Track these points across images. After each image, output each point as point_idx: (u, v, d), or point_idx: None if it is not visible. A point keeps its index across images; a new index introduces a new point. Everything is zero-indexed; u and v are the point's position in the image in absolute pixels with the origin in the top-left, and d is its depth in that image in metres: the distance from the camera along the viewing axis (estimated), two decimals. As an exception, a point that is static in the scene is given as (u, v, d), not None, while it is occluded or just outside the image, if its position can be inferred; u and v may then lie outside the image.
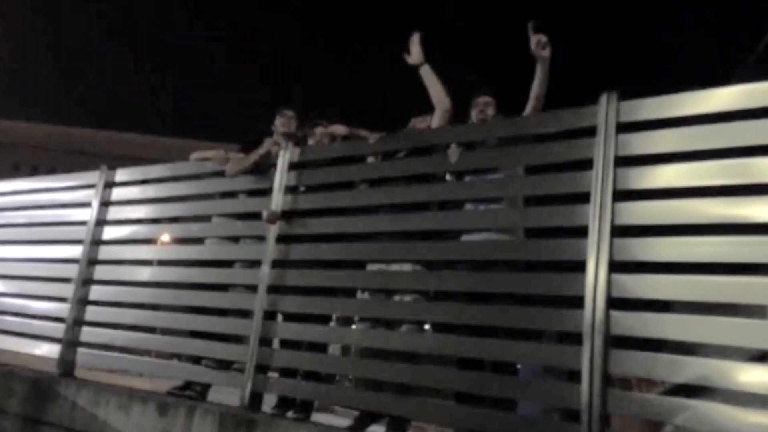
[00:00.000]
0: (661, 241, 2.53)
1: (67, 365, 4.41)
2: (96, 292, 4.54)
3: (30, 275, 5.07)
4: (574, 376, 2.58)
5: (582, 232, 2.67)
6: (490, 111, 3.71)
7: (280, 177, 3.81)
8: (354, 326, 3.90)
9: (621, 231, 2.60)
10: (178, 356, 4.32)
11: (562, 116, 2.99)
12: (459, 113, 3.79)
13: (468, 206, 3.42)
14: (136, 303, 4.36)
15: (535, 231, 3.19)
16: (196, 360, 3.96)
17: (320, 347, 3.75)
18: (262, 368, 3.55)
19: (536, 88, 3.41)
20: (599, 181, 2.66)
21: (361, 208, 3.66)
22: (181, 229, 4.61)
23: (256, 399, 3.53)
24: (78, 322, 4.49)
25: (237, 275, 4.04)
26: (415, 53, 3.75)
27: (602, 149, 2.70)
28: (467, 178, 3.50)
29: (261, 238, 3.79)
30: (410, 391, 3.25)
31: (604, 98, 2.75)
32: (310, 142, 4.19)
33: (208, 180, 4.32)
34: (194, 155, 4.50)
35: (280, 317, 3.73)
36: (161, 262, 4.55)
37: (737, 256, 2.38)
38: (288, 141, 4.07)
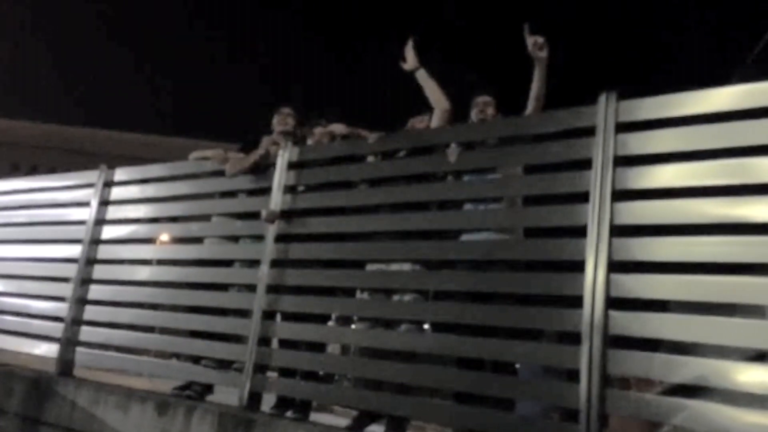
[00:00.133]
0: (660, 241, 2.54)
1: (65, 365, 4.41)
2: (95, 291, 4.54)
3: (29, 275, 5.07)
4: (573, 375, 2.58)
5: (581, 231, 2.67)
6: (490, 111, 3.72)
7: (279, 176, 3.81)
8: (353, 326, 3.90)
9: (620, 231, 2.60)
10: (177, 356, 4.32)
11: (561, 116, 2.99)
12: (459, 113, 3.79)
13: (467, 206, 3.42)
14: (135, 302, 4.36)
15: (534, 231, 3.19)
16: (196, 360, 3.95)
17: (319, 347, 3.75)
18: (261, 368, 3.55)
19: (535, 89, 3.41)
20: (598, 181, 2.66)
21: (360, 207, 3.66)
22: (180, 229, 4.61)
23: (255, 399, 3.53)
24: (77, 321, 4.49)
25: (236, 275, 4.04)
26: (410, 59, 3.77)
27: (601, 149, 2.70)
28: (466, 178, 3.49)
29: (260, 238, 3.79)
30: (409, 391, 3.24)
31: (603, 98, 2.75)
32: (310, 141, 4.19)
33: (207, 179, 4.32)
34: (193, 155, 4.50)
35: (278, 317, 3.73)
36: (160, 262, 4.55)
37: (736, 256, 2.38)
38: (287, 140, 4.07)
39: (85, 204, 4.75)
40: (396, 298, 3.47)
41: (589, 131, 2.77)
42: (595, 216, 2.63)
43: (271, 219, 3.69)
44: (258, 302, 3.61)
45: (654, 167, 2.63)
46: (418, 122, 3.89)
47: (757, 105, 2.44)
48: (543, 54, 3.34)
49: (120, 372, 5.16)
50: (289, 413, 3.63)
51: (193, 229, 4.40)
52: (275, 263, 3.66)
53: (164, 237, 4.92)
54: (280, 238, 3.70)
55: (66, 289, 4.64)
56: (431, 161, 3.50)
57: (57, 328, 4.54)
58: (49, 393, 4.09)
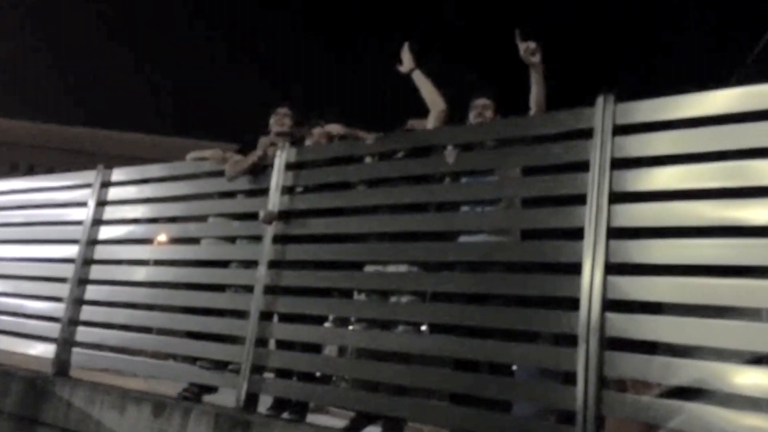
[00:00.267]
0: (656, 244, 2.54)
1: (62, 365, 4.40)
2: (92, 291, 4.54)
3: (26, 275, 5.06)
4: (570, 378, 2.58)
5: (578, 234, 2.67)
6: (489, 114, 3.71)
7: (277, 177, 3.81)
8: (350, 327, 3.89)
9: (617, 233, 2.60)
10: (174, 357, 4.32)
11: (559, 118, 2.99)
12: (458, 113, 3.79)
13: (465, 208, 3.42)
14: (132, 303, 4.35)
15: (532, 233, 3.19)
16: (193, 361, 3.95)
17: (316, 348, 3.74)
18: (257, 369, 3.54)
19: (535, 94, 3.41)
20: (595, 183, 2.66)
21: (357, 208, 3.66)
22: (177, 229, 4.60)
23: (251, 400, 3.53)
24: (73, 321, 4.48)
25: (233, 275, 4.03)
26: (406, 61, 3.79)
27: (599, 151, 2.70)
28: (464, 180, 3.49)
29: (258, 239, 3.78)
30: (406, 393, 3.24)
31: (600, 100, 2.75)
32: (308, 142, 4.18)
33: (205, 180, 4.31)
34: (191, 155, 4.49)
35: (275, 318, 3.72)
36: (157, 262, 4.54)
37: (733, 258, 2.38)
38: (284, 140, 4.07)
39: (82, 204, 4.75)
40: (393, 299, 3.46)
41: (587, 133, 2.77)
42: (592, 218, 2.63)
43: (269, 220, 3.69)
44: (255, 303, 3.61)
45: (651, 170, 2.64)
46: (417, 124, 3.89)
47: (754, 108, 2.44)
48: (536, 59, 3.34)
49: (116, 372, 5.15)
50: (285, 414, 3.62)
51: (191, 229, 4.39)
52: (273, 264, 3.66)
53: (162, 237, 4.92)
54: (278, 239, 3.69)
55: (63, 290, 4.63)
56: (429, 162, 3.50)
57: (53, 329, 4.53)
58: (45, 393, 4.08)
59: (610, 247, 2.58)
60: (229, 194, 4.23)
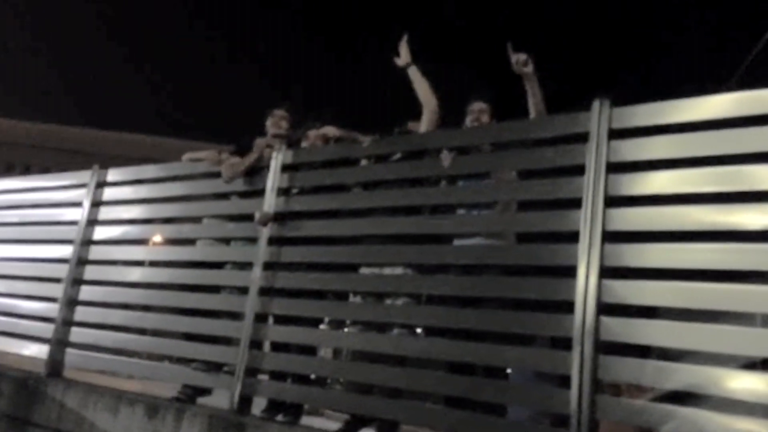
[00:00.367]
0: (651, 248, 2.54)
1: (55, 366, 4.39)
2: (86, 292, 4.52)
3: (20, 275, 5.04)
4: (565, 381, 2.58)
5: (573, 237, 2.67)
6: (485, 118, 3.71)
7: (273, 179, 3.80)
8: (346, 329, 3.89)
9: (612, 237, 2.61)
10: (169, 358, 4.31)
11: (555, 122, 3.00)
12: (456, 114, 3.80)
13: (460, 211, 3.42)
14: (126, 304, 4.34)
15: (527, 236, 3.20)
16: (187, 362, 3.94)
17: (311, 350, 3.74)
18: (252, 371, 3.53)
19: (532, 103, 3.43)
20: (591, 187, 2.67)
21: (353, 211, 3.66)
22: (172, 230, 4.59)
23: (245, 402, 3.52)
24: (67, 322, 4.46)
25: (228, 277, 4.02)
26: (403, 55, 3.79)
27: (594, 155, 2.70)
28: (460, 183, 3.50)
29: (253, 240, 3.78)
30: (401, 395, 3.24)
31: (596, 105, 2.76)
32: (304, 144, 4.18)
33: (201, 181, 4.31)
34: (186, 156, 4.48)
35: (270, 319, 3.72)
36: (152, 263, 4.53)
37: (728, 263, 2.39)
38: (281, 142, 4.06)
39: (77, 204, 4.73)
40: (388, 302, 3.46)
41: (583, 137, 2.78)
42: (588, 222, 2.64)
43: (265, 221, 3.69)
44: (250, 305, 3.60)
45: (646, 174, 2.65)
46: (416, 127, 3.89)
47: (748, 113, 2.46)
48: (528, 69, 3.36)
49: (110, 374, 5.13)
50: (280, 417, 3.62)
51: (186, 230, 4.38)
52: (268, 266, 3.65)
53: (157, 238, 4.91)
54: (273, 241, 3.69)
55: (57, 290, 4.62)
56: (425, 165, 3.50)
57: (47, 329, 4.52)
58: (38, 394, 4.06)
59: (605, 250, 2.59)
60: (225, 195, 4.22)
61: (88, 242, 4.61)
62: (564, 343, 2.61)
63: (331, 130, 4.01)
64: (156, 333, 4.29)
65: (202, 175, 4.28)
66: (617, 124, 2.72)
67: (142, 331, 4.40)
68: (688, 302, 2.46)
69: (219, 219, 4.23)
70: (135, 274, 4.39)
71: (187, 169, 4.41)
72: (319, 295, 3.59)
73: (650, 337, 2.49)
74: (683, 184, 2.56)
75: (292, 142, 4.16)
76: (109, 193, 4.70)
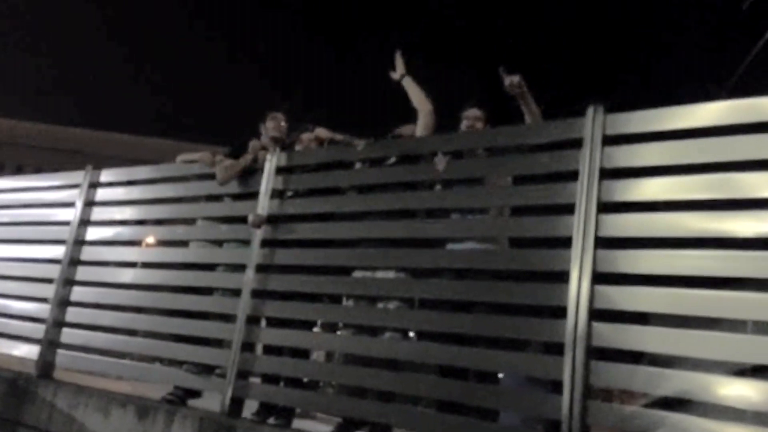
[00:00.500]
0: (644, 254, 2.55)
1: (46, 367, 4.36)
2: (78, 293, 4.50)
3: (11, 275, 5.01)
4: (557, 386, 2.59)
5: (566, 242, 2.68)
6: (479, 126, 3.72)
7: (267, 181, 3.80)
8: (338, 332, 3.88)
9: (605, 243, 2.62)
10: (161, 360, 4.28)
11: (549, 128, 3.01)
12: (455, 114, 3.81)
13: (454, 215, 3.43)
14: (118, 305, 4.32)
15: (520, 241, 3.20)
16: (178, 364, 3.92)
17: (303, 353, 3.73)
18: (243, 374, 3.52)
19: (529, 119, 3.44)
20: (584, 193, 2.68)
21: (347, 214, 3.66)
22: (165, 232, 4.58)
23: (237, 404, 3.51)
24: (58, 323, 4.44)
25: (221, 279, 4.01)
26: (398, 68, 3.85)
27: (588, 161, 2.71)
28: (454, 188, 3.50)
29: (246, 242, 3.77)
30: (393, 399, 3.24)
31: (590, 111, 2.77)
32: (298, 147, 4.18)
33: (194, 183, 4.30)
34: (180, 158, 4.48)
35: (263, 322, 3.71)
36: (145, 264, 4.51)
37: (720, 270, 2.40)
38: (275, 145, 4.06)
39: (70, 204, 4.72)
40: (381, 305, 3.46)
41: (577, 143, 2.79)
42: (581, 227, 2.65)
43: (258, 224, 3.68)
44: (242, 307, 3.59)
45: (639, 180, 2.66)
46: (406, 130, 3.90)
47: (741, 121, 2.47)
48: (521, 90, 3.39)
49: (101, 375, 5.11)
50: (271, 419, 3.61)
51: (179, 232, 4.37)
52: (261, 268, 3.65)
53: (149, 239, 4.89)
54: (267, 243, 3.68)
55: (48, 290, 4.59)
56: (419, 169, 3.50)
57: (38, 330, 4.49)
58: (28, 395, 4.04)
59: (598, 256, 2.60)
60: (218, 197, 4.22)
61: (80, 243, 4.59)
62: (556, 349, 2.62)
63: (322, 132, 4.01)
64: (148, 334, 4.27)
65: (195, 176, 4.27)
66: (611, 131, 2.73)
67: (133, 333, 4.38)
68: (679, 308, 2.47)
69: (212, 221, 4.22)
70: (127, 275, 4.37)
71: (181, 170, 4.41)
72: (311, 297, 3.59)
73: (642, 343, 2.50)
74: (676, 190, 2.57)
75: (285, 145, 4.15)
76: (102, 194, 4.68)
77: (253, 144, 4.18)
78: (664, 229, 2.56)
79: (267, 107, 4.40)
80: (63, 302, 4.48)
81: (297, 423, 3.78)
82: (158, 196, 4.51)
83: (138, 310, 4.36)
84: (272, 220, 3.71)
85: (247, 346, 3.56)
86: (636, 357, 2.52)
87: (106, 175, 4.73)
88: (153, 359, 5.24)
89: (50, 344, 4.41)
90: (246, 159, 4.00)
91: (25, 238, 5.13)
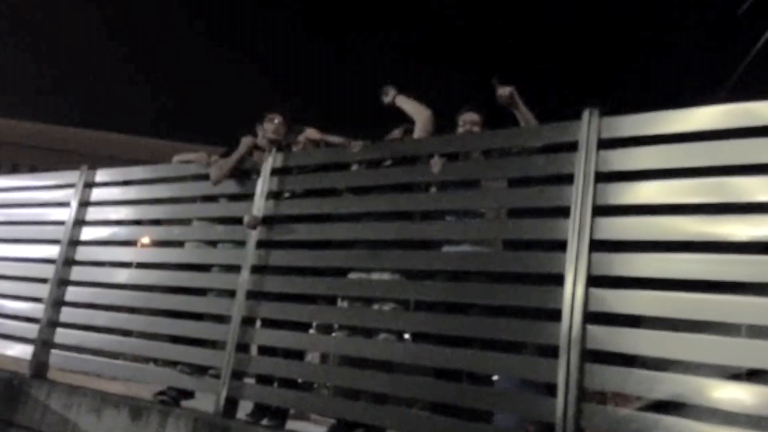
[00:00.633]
0: (638, 257, 2.56)
1: (39, 367, 4.35)
2: (72, 293, 4.49)
3: (5, 274, 4.99)
4: (551, 389, 2.59)
5: (561, 246, 2.68)
6: (476, 130, 3.73)
7: (263, 182, 3.80)
8: (333, 334, 3.88)
9: (599, 246, 2.62)
10: (155, 360, 4.27)
11: (545, 131, 3.02)
12: (454, 114, 3.82)
13: (449, 218, 3.43)
14: (112, 305, 4.31)
15: (515, 243, 3.21)
16: (172, 364, 3.91)
17: (298, 354, 3.73)
18: (238, 374, 3.52)
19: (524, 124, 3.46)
20: (579, 196, 2.68)
21: (342, 215, 3.66)
22: (160, 232, 4.57)
23: (231, 405, 3.50)
24: (52, 323, 4.43)
25: (216, 280, 4.01)
26: (389, 94, 3.88)
27: (583, 164, 2.72)
28: (450, 191, 3.50)
29: (241, 243, 3.77)
30: (387, 401, 3.24)
31: (586, 114, 2.77)
32: (295, 149, 4.17)
33: (190, 183, 4.29)
34: (176, 158, 4.47)
35: (257, 323, 3.70)
36: (139, 265, 4.50)
37: (714, 273, 2.40)
38: (271, 146, 4.06)
39: (64, 204, 4.70)
40: (375, 307, 3.46)
41: (572, 146, 2.80)
42: (576, 230, 2.65)
43: (253, 225, 3.68)
44: (237, 308, 3.59)
45: (634, 184, 2.66)
46: (395, 134, 3.91)
47: (736, 125, 2.48)
48: (511, 101, 3.42)
49: (95, 375, 5.09)
50: (265, 420, 3.60)
51: (174, 232, 4.36)
52: (256, 269, 3.64)
53: (144, 240, 4.88)
54: (262, 244, 3.68)
55: (43, 290, 4.58)
56: (415, 171, 3.50)
57: (32, 330, 4.48)
58: (22, 395, 4.03)
59: (593, 259, 2.60)
60: (214, 198, 4.21)
61: (75, 243, 4.58)
62: (551, 351, 2.62)
63: (312, 133, 4.01)
64: (142, 335, 4.27)
65: (191, 177, 4.27)
66: (606, 134, 2.74)
67: (127, 333, 4.37)
68: (674, 312, 2.47)
69: (208, 221, 4.21)
70: (122, 276, 4.36)
71: (177, 171, 4.40)
72: (306, 299, 3.59)
73: (636, 346, 2.50)
74: (671, 194, 2.58)
75: (281, 146, 4.15)
76: (97, 194, 4.67)
77: (244, 140, 4.16)
78: (658, 232, 2.57)
79: (266, 107, 4.38)
80: (57, 302, 4.46)
81: (291, 424, 3.78)
82: (154, 196, 4.50)
83: (132, 310, 4.35)
84: (267, 221, 3.71)
85: (242, 347, 3.56)
86: (630, 360, 2.53)
87: (101, 175, 4.72)
88: (147, 360, 5.24)
89: (44, 344, 4.39)
90: (235, 155, 4.00)
91: (20, 237, 5.11)
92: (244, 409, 3.68)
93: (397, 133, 3.87)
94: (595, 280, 2.58)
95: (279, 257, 3.66)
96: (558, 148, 2.93)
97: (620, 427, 2.43)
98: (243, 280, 3.63)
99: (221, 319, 3.76)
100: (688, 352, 2.41)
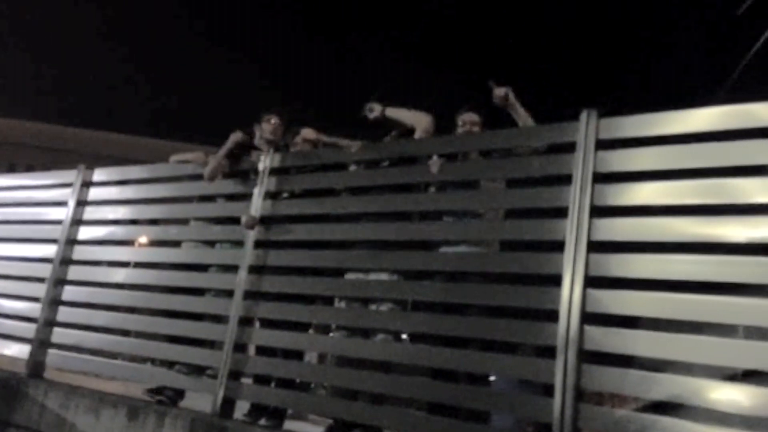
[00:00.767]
0: (636, 258, 2.56)
1: (36, 366, 4.34)
2: (69, 292, 4.48)
3: (2, 274, 4.98)
4: (548, 389, 2.59)
5: (559, 246, 2.68)
6: (476, 130, 3.73)
7: (261, 182, 3.80)
8: (331, 334, 3.88)
9: (597, 247, 2.62)
10: (152, 360, 4.27)
11: (543, 132, 3.02)
12: (453, 114, 3.81)
13: (447, 218, 3.43)
14: (110, 305, 4.30)
15: (513, 244, 3.21)
16: (170, 364, 3.91)
17: (296, 354, 3.73)
18: (235, 374, 3.51)
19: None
20: (577, 197, 2.68)
21: (340, 216, 3.66)
22: (158, 232, 4.56)
23: (228, 405, 3.50)
24: (49, 322, 4.42)
25: (214, 280, 4.00)
26: (376, 109, 3.80)
27: (581, 165, 2.72)
28: (448, 191, 3.50)
29: (239, 243, 3.77)
30: (385, 401, 3.23)
31: (584, 115, 2.78)
32: (292, 149, 4.17)
33: (187, 183, 4.29)
34: (174, 158, 4.47)
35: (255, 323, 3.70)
36: (137, 265, 4.50)
37: (711, 275, 2.41)
38: (269, 147, 4.06)
39: (62, 203, 4.69)
40: (373, 307, 3.46)
41: (570, 147, 2.80)
42: (573, 231, 2.65)
43: (251, 225, 3.67)
44: (235, 308, 3.59)
45: (632, 185, 2.67)
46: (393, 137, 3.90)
47: (734, 126, 2.48)
48: (509, 101, 3.43)
49: (92, 375, 5.08)
50: (262, 420, 3.60)
51: (172, 232, 4.36)
52: (253, 269, 3.64)
53: (142, 239, 4.88)
54: (259, 244, 3.68)
55: (40, 290, 4.57)
56: (413, 171, 3.50)
57: (29, 329, 4.47)
58: (19, 395, 4.02)
59: (590, 260, 2.60)
60: (211, 198, 4.21)
61: (72, 242, 4.57)
62: (548, 352, 2.62)
63: (308, 133, 4.01)
64: (139, 335, 4.26)
65: (188, 177, 4.26)
66: (604, 135, 2.74)
67: (125, 333, 4.36)
68: (671, 313, 2.47)
69: (205, 221, 4.21)
70: (119, 275, 4.36)
71: (174, 170, 4.40)
72: (304, 299, 3.58)
73: (633, 347, 2.50)
74: (669, 195, 2.58)
75: (279, 147, 4.14)
76: (94, 193, 4.66)
77: (232, 135, 4.14)
78: (656, 233, 2.57)
79: (266, 108, 4.38)
80: (54, 302, 4.45)
81: (288, 424, 3.78)
82: (151, 196, 4.49)
83: (130, 310, 4.34)
84: (265, 221, 3.71)
85: (239, 347, 3.55)
86: (627, 361, 2.53)
87: (98, 175, 4.71)
88: (144, 359, 5.23)
89: (41, 344, 4.38)
90: (225, 147, 3.99)
91: (17, 236, 5.10)
92: (242, 409, 3.68)
93: (389, 140, 3.86)
94: (592, 281, 2.59)
95: (277, 257, 3.66)
96: (556, 149, 2.93)
97: (617, 428, 2.43)
98: (240, 280, 3.62)
99: (219, 319, 3.76)
100: (685, 353, 2.41)
